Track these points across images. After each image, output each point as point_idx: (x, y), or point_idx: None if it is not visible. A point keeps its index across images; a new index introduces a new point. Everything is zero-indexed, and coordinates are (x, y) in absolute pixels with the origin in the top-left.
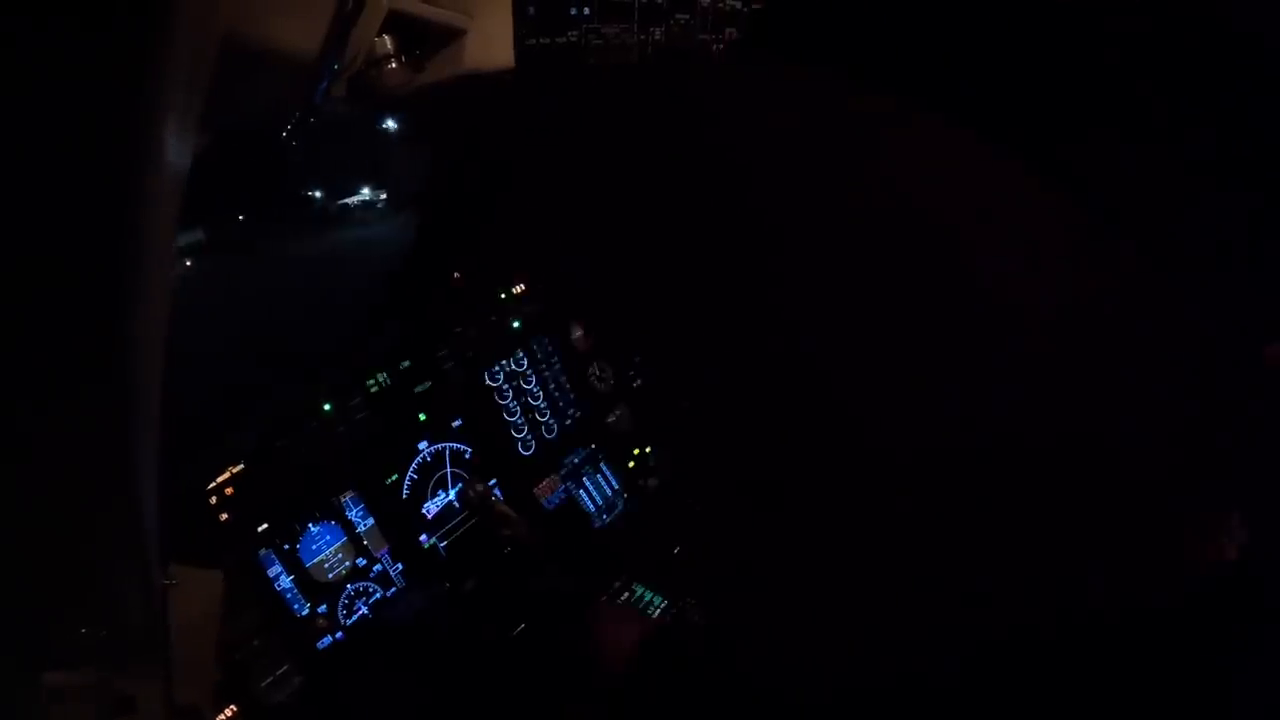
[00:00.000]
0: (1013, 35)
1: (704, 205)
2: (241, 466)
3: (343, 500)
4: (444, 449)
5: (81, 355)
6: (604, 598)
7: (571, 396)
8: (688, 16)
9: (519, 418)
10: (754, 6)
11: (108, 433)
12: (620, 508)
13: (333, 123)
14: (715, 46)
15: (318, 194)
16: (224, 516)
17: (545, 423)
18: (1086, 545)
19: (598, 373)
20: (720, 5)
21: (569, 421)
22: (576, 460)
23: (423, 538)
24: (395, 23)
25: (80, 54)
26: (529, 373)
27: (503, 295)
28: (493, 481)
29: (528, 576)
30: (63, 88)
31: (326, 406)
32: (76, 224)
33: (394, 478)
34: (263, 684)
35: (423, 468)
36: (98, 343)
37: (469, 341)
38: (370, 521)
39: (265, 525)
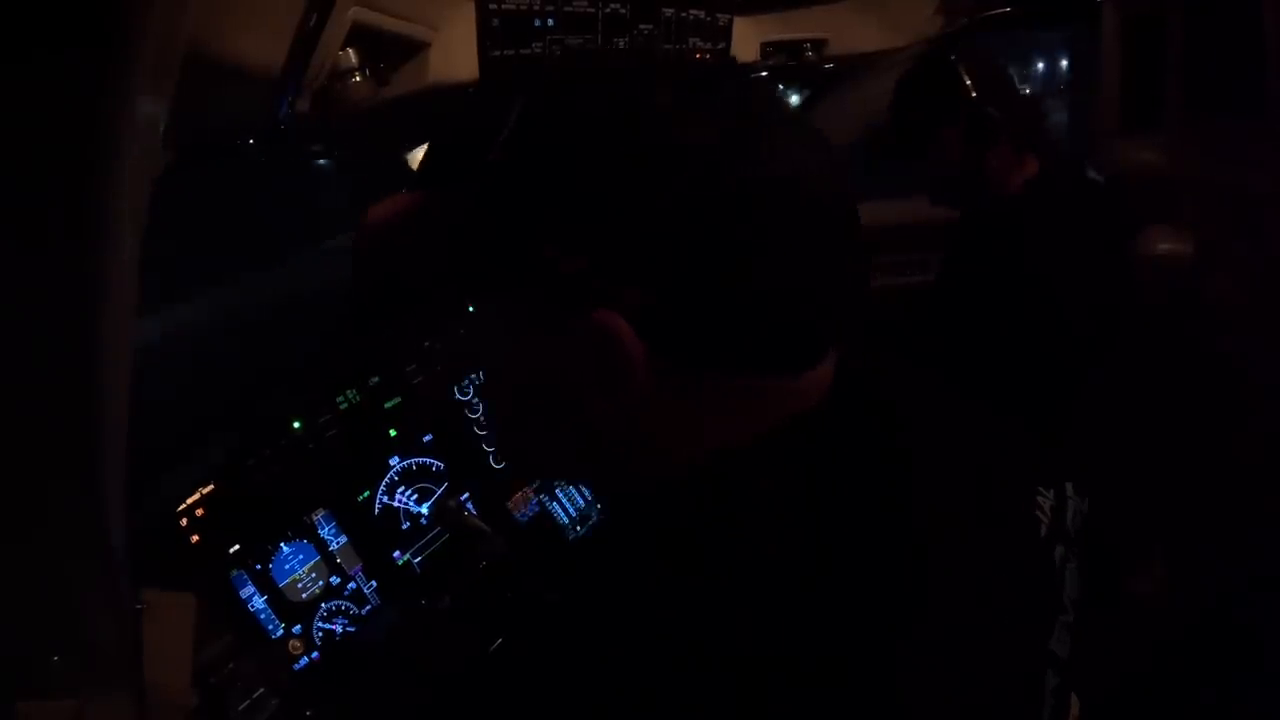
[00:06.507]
0: None
1: None
2: (211, 487)
3: (315, 518)
4: (415, 464)
5: (45, 371)
6: None
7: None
8: (651, 27)
9: (490, 431)
10: (719, 17)
11: (74, 455)
12: (595, 519)
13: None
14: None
15: None
16: (195, 538)
17: None
18: None
19: None
20: (684, 16)
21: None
22: None
23: (396, 554)
24: (358, 36)
25: (39, 70)
26: None
27: (470, 309)
28: (465, 496)
29: (503, 591)
30: (22, 103)
31: (296, 424)
32: (41, 237)
33: (365, 494)
34: (240, 708)
35: (394, 484)
36: (62, 359)
37: (438, 356)
38: (343, 539)
39: (237, 546)
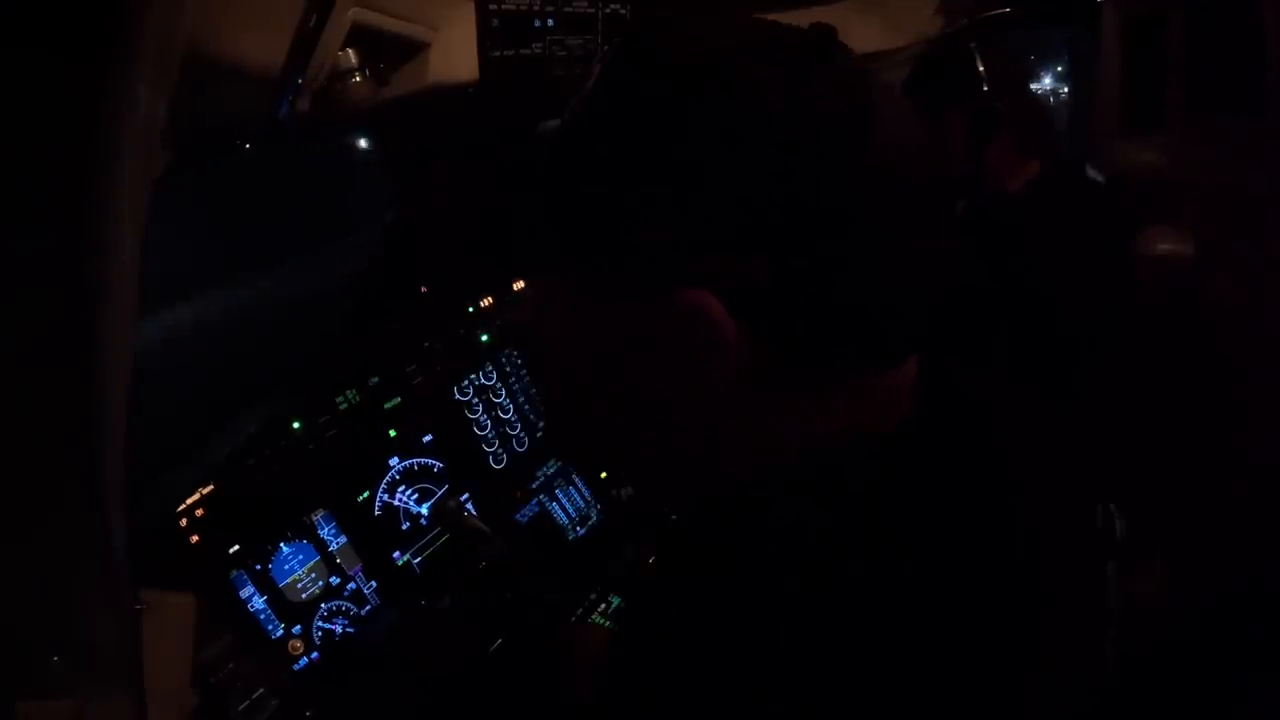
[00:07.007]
0: None
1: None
2: (211, 487)
3: (314, 519)
4: (415, 464)
5: (45, 372)
6: (579, 610)
7: (541, 409)
8: None
9: (490, 431)
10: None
11: (74, 455)
12: (594, 519)
13: None
14: None
15: None
16: (195, 538)
17: (516, 436)
18: None
19: None
20: None
21: (539, 434)
22: (549, 473)
23: (395, 555)
24: (359, 36)
25: (39, 70)
26: (498, 386)
27: (470, 309)
28: (465, 496)
29: (503, 591)
30: (22, 103)
31: (296, 424)
32: (41, 238)
33: (365, 495)
34: (240, 708)
35: (394, 484)
36: (62, 359)
37: (438, 356)
38: (343, 539)
39: (236, 546)
